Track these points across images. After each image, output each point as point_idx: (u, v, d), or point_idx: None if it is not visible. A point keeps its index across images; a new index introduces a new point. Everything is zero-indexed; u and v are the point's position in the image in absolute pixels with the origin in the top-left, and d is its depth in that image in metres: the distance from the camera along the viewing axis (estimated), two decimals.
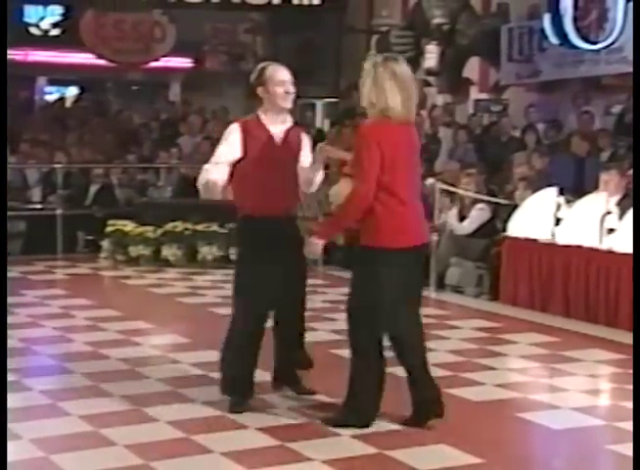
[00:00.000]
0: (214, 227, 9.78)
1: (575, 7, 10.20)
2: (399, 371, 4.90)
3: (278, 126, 5.02)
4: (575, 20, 10.20)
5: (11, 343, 6.24)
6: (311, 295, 8.30)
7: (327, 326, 6.99)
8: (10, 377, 5.42)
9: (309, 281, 8.96)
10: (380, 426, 4.74)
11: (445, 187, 8.85)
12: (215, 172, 4.90)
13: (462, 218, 8.75)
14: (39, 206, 10.77)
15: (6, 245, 9.01)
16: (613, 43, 10.16)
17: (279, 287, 4.97)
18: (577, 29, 10.23)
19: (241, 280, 4.97)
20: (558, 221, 7.75)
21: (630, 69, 9.95)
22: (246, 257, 5.02)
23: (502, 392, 5.45)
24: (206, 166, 4.95)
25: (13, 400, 4.97)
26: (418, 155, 4.74)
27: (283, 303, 5.07)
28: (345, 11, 14.91)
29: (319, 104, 16.05)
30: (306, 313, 7.47)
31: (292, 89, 5.03)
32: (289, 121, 5.08)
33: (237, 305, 4.95)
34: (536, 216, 7.89)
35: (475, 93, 13.17)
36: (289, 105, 5.04)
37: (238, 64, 16.80)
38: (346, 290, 8.68)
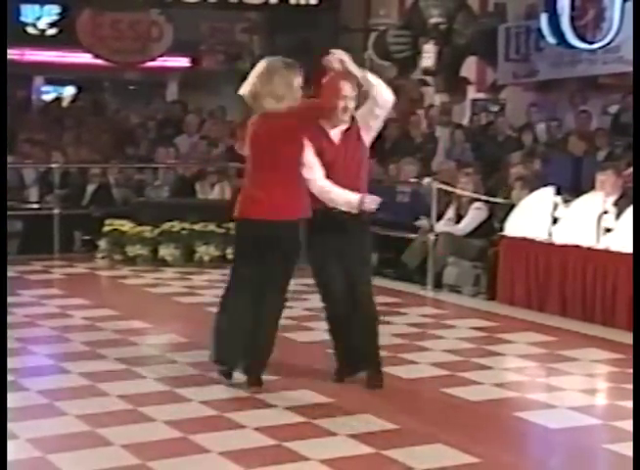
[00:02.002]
0: (212, 227, 9.77)
1: (572, 7, 10.22)
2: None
3: (336, 130, 5.31)
4: (572, 19, 10.22)
5: (8, 342, 6.23)
6: (308, 294, 8.35)
7: (323, 326, 6.98)
8: (7, 377, 5.42)
9: (305, 281, 8.95)
10: (377, 425, 4.74)
11: (442, 186, 8.86)
12: (336, 189, 5.23)
13: (459, 218, 8.75)
14: (36, 205, 10.75)
15: (6, 245, 9.00)
16: (609, 43, 10.18)
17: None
18: (574, 29, 10.25)
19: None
20: (555, 221, 7.76)
21: (627, 68, 9.97)
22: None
23: (499, 391, 5.45)
24: (326, 187, 5.23)
25: (10, 400, 4.95)
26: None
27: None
28: (342, 10, 14.91)
29: None
30: (303, 313, 7.52)
31: (351, 105, 5.31)
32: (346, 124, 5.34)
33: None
34: (533, 216, 7.90)
35: (472, 93, 13.18)
36: (345, 119, 5.30)
37: (235, 63, 16.80)
38: None
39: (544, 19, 10.39)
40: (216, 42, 16.79)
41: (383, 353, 6.19)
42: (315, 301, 7.99)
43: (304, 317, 7.27)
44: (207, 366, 5.70)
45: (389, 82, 13.34)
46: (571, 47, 10.45)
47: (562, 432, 4.79)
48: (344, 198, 5.24)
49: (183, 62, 17.06)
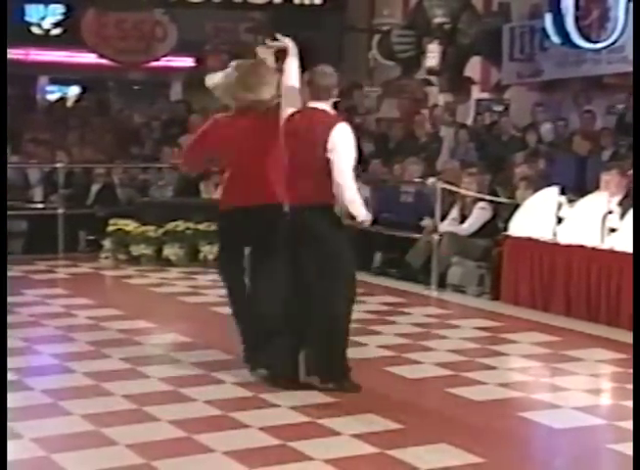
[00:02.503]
0: (216, 226, 9.77)
1: (577, 6, 10.20)
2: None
3: None
4: (577, 19, 10.20)
5: (12, 342, 6.23)
6: None
7: None
8: (11, 376, 5.43)
9: None
10: (381, 425, 4.74)
11: (447, 186, 8.85)
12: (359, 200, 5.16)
13: (463, 218, 8.75)
14: (41, 205, 10.75)
15: (6, 245, 8.99)
16: (614, 42, 10.16)
17: None
18: (579, 29, 10.23)
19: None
20: (559, 221, 7.75)
21: (631, 68, 9.95)
22: None
23: (503, 391, 5.45)
24: (352, 185, 5.10)
25: (14, 400, 4.97)
26: None
27: None
28: (347, 10, 14.90)
29: None
30: None
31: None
32: None
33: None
34: (538, 216, 7.89)
35: (476, 92, 13.17)
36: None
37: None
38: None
39: (548, 18, 10.38)
40: (221, 42, 16.76)
41: (387, 353, 6.22)
42: None
43: None
44: (212, 366, 5.71)
45: (394, 82, 13.25)
46: (576, 47, 10.44)
47: (566, 432, 4.79)
48: (361, 211, 5.13)
49: (187, 62, 17.04)
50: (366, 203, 9.89)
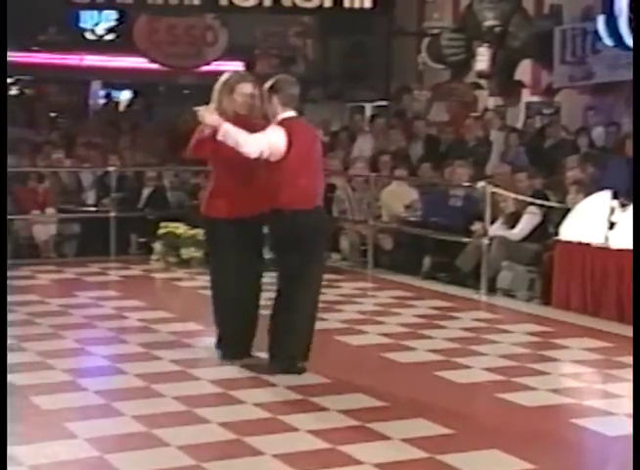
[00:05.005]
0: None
1: (630, 8, 10.06)
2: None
3: None
4: (630, 21, 10.06)
5: (66, 343, 6.37)
6: (361, 298, 8.33)
7: (377, 329, 6.98)
8: (65, 377, 5.54)
9: (358, 284, 8.94)
10: (431, 430, 4.73)
11: (497, 190, 8.79)
12: None
13: (514, 222, 8.67)
14: (93, 208, 10.90)
15: (6, 245, 9.04)
16: None
17: None
18: (632, 31, 10.08)
19: None
20: (611, 225, 7.65)
21: None
22: None
23: (555, 397, 5.40)
24: None
25: (69, 400, 5.09)
26: None
27: None
28: (396, 14, 14.87)
29: (369, 107, 16.05)
30: (355, 317, 7.48)
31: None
32: None
33: None
34: (589, 220, 7.80)
35: (526, 96, 13.07)
36: None
37: (289, 67, 16.88)
38: (396, 293, 8.69)
39: (601, 20, 10.25)
40: (270, 46, 16.86)
41: (436, 357, 6.19)
42: (368, 304, 8.02)
43: (357, 321, 7.28)
44: (262, 368, 5.74)
45: (443, 85, 13.20)
46: (629, 49, 10.29)
47: (620, 439, 4.72)
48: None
49: (237, 66, 17.17)
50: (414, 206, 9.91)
